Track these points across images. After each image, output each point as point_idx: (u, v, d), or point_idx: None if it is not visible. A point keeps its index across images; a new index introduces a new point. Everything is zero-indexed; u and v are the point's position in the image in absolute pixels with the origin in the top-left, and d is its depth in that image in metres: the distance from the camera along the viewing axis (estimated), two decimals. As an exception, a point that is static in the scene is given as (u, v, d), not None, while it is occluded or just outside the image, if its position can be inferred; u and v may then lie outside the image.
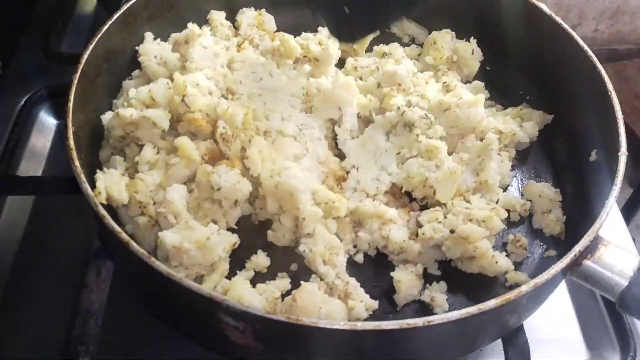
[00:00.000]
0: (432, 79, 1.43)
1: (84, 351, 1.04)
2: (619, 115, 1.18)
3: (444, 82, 1.41)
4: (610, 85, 1.23)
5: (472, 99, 1.30)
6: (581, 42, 1.31)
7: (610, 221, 1.06)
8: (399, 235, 1.16)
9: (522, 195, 1.32)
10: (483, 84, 1.45)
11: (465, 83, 1.47)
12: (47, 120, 1.48)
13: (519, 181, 1.35)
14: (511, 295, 0.93)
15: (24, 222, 1.28)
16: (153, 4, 1.35)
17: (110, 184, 1.06)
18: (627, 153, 1.12)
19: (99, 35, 1.21)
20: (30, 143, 1.42)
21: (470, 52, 1.46)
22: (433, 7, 1.50)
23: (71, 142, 1.05)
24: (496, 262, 1.14)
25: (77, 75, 1.15)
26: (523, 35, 1.43)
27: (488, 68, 1.50)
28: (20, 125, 1.41)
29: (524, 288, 0.94)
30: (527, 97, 1.45)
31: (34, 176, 1.36)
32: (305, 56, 1.37)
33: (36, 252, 1.24)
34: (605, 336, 1.23)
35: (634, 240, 1.39)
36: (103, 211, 0.97)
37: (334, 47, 1.37)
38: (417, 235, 1.17)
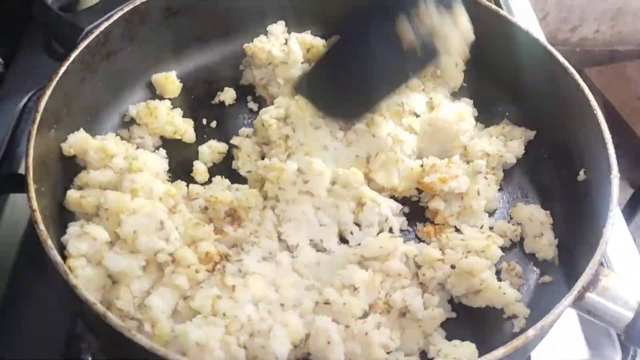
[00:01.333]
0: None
1: (86, 348, 1.03)
2: (607, 135, 1.15)
3: (430, 98, 1.38)
4: (594, 104, 1.19)
5: (459, 111, 1.27)
6: (562, 59, 1.27)
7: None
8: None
9: (511, 218, 1.28)
10: (472, 101, 1.41)
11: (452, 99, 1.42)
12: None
13: (506, 203, 1.31)
14: (519, 341, 0.89)
15: (25, 221, 1.24)
16: (112, 38, 1.26)
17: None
18: (619, 175, 1.09)
19: (57, 79, 1.12)
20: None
21: (454, 64, 1.42)
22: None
23: (34, 203, 0.96)
24: (504, 294, 1.10)
25: (36, 126, 1.06)
26: (500, 50, 1.39)
27: (465, 84, 1.46)
28: (22, 124, 1.39)
29: (531, 332, 0.90)
30: (507, 114, 1.41)
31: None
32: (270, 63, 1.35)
33: (37, 250, 1.14)
34: (606, 335, 1.21)
35: (634, 240, 1.38)
36: (75, 281, 0.89)
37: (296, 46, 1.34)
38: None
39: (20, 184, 1.20)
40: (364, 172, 1.23)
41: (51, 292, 1.11)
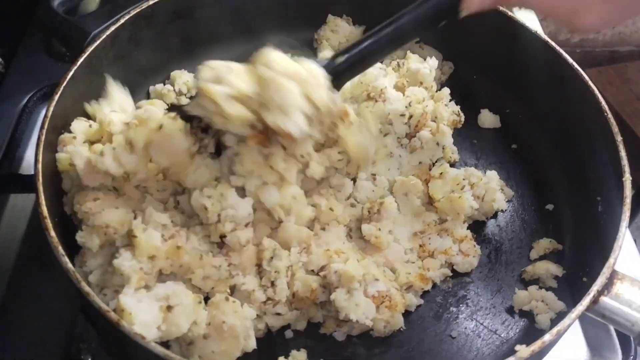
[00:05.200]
0: None
1: (86, 349, 1.04)
2: (618, 137, 1.15)
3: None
4: (604, 105, 1.20)
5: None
6: (570, 60, 1.29)
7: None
8: None
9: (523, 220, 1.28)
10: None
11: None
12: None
13: (517, 206, 1.30)
14: (535, 347, 0.88)
15: (26, 221, 1.25)
16: (119, 42, 1.25)
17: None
18: (631, 178, 1.09)
19: (64, 83, 1.11)
20: (32, 141, 1.38)
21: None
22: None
23: (44, 210, 0.95)
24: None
25: (45, 131, 1.05)
26: (507, 51, 1.39)
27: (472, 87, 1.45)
28: (22, 124, 1.41)
29: (547, 337, 0.90)
30: (514, 115, 1.41)
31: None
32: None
33: (38, 250, 1.16)
34: (606, 336, 1.21)
35: (635, 241, 1.38)
36: (87, 288, 0.88)
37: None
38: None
39: (20, 184, 1.22)
40: (424, 178, 1.23)
41: (51, 293, 1.12)
